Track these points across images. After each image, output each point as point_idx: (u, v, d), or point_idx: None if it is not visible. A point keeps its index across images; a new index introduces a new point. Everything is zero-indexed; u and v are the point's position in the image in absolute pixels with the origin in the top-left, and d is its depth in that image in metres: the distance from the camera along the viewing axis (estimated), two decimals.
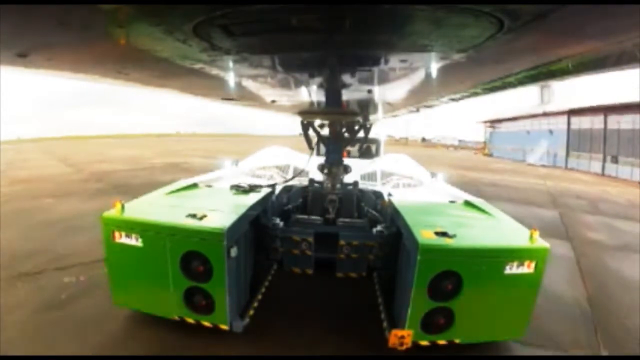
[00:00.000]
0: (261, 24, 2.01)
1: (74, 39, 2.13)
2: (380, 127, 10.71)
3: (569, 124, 27.31)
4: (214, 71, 3.57)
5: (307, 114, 5.38)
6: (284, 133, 23.63)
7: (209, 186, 4.94)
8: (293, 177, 6.40)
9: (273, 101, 6.80)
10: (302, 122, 5.38)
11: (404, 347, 3.19)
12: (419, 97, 6.06)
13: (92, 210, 7.14)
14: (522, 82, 3.98)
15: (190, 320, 3.43)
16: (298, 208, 5.84)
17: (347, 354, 3.44)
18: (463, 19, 1.71)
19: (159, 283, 3.34)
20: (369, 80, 4.40)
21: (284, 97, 5.97)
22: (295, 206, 5.80)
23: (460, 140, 51.88)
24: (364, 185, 6.48)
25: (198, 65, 3.21)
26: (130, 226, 3.32)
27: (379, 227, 4.73)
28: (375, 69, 3.69)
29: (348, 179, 6.01)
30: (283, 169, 7.15)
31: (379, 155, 9.43)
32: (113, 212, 3.44)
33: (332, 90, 4.77)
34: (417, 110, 9.24)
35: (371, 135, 6.49)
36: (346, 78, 4.28)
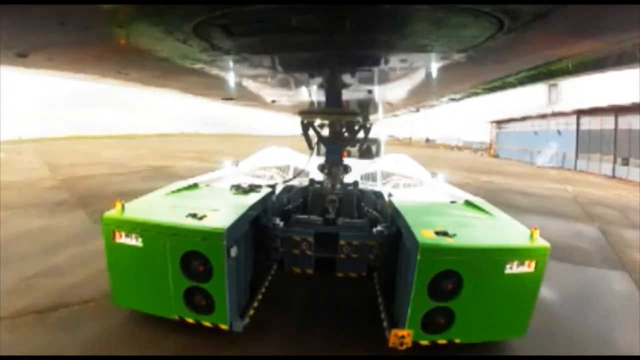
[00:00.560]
0: (261, 24, 2.01)
1: (74, 39, 2.13)
2: (382, 127, 10.68)
3: (578, 124, 26.60)
4: (214, 71, 3.57)
5: (307, 114, 5.38)
6: (284, 133, 23.55)
7: (209, 186, 4.94)
8: (293, 177, 6.40)
9: (273, 101, 6.82)
10: (302, 122, 5.37)
11: (404, 346, 3.18)
12: (419, 97, 6.06)
13: (36, 230, 6.45)
14: (522, 82, 3.99)
15: (190, 320, 3.43)
16: (298, 208, 5.83)
17: (347, 353, 3.43)
18: (463, 19, 1.72)
19: (159, 283, 3.34)
20: (369, 80, 4.40)
21: (284, 97, 5.97)
22: (295, 206, 5.80)
23: (464, 142, 51.80)
24: (364, 185, 6.48)
25: (198, 65, 3.21)
26: (131, 226, 3.32)
27: (379, 227, 4.73)
28: (375, 69, 3.69)
29: (348, 179, 6.01)
30: (283, 169, 7.15)
31: (379, 156, 9.43)
32: (113, 212, 3.44)
33: (332, 90, 4.77)
34: (417, 110, 9.25)
35: (371, 135, 6.48)
36: (346, 78, 4.28)
